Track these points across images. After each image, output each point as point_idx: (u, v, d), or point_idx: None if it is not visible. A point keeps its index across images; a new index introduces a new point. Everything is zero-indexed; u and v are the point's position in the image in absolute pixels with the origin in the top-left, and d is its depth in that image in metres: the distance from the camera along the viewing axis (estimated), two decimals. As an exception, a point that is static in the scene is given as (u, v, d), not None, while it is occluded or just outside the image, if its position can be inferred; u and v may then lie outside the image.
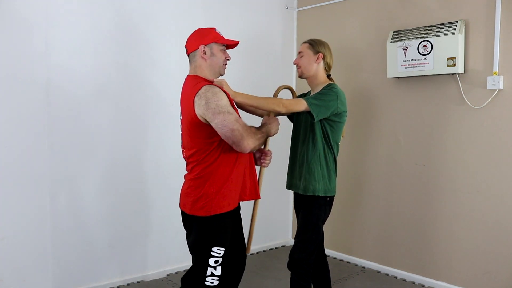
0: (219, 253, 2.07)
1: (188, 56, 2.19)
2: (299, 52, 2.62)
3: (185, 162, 2.20)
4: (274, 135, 2.26)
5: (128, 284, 3.37)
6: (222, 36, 2.18)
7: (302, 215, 2.56)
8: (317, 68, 2.57)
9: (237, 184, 2.14)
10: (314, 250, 2.51)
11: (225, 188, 2.09)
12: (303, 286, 2.48)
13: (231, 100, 2.09)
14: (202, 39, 2.13)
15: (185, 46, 2.20)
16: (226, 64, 2.21)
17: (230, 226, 2.14)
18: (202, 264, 2.07)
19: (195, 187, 2.09)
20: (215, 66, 2.16)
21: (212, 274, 2.06)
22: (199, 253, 2.10)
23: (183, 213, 2.21)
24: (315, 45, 2.58)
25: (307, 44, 2.60)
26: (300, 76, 2.62)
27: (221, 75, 2.22)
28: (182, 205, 2.19)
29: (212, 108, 1.96)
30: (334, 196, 2.57)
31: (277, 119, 2.30)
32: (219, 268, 2.07)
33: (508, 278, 3.01)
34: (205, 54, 2.12)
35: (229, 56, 2.21)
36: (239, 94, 2.23)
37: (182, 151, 2.21)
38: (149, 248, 3.51)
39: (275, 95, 2.51)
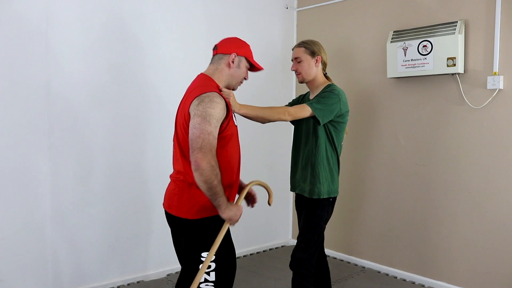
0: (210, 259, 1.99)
1: (214, 55, 2.11)
2: (296, 58, 2.54)
3: (175, 160, 2.11)
4: (226, 218, 1.96)
5: (128, 284, 3.37)
6: (253, 56, 2.14)
7: (304, 216, 2.56)
8: (316, 71, 2.55)
9: (226, 188, 2.04)
10: (316, 250, 2.51)
11: None
12: (305, 286, 2.48)
13: (230, 115, 1.99)
14: (237, 48, 2.08)
15: (217, 45, 2.12)
16: (242, 81, 2.16)
17: (218, 230, 2.04)
18: (194, 271, 1.98)
19: (183, 187, 2.01)
20: (235, 78, 2.10)
21: (206, 280, 1.98)
22: (190, 260, 2.02)
23: (168, 215, 2.12)
24: (310, 47, 2.52)
25: (302, 48, 2.53)
26: (301, 82, 2.58)
27: (234, 90, 2.15)
28: (167, 206, 2.09)
29: (199, 110, 1.87)
30: (336, 196, 2.57)
31: (241, 210, 2.01)
32: (213, 274, 1.99)
33: (508, 278, 3.01)
34: (233, 62, 2.07)
35: (248, 76, 2.15)
36: (244, 107, 2.21)
37: (173, 146, 2.12)
38: (149, 248, 3.50)
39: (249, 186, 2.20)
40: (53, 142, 3.00)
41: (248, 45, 2.14)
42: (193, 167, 1.85)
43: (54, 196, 3.02)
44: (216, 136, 1.90)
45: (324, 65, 2.58)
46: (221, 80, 2.08)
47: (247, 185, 2.19)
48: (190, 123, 1.90)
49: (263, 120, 2.42)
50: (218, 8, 3.80)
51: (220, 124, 1.93)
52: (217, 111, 1.89)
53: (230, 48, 2.08)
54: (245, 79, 2.15)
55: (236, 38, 2.16)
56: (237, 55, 2.07)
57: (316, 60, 2.52)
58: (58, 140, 3.02)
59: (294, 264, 2.50)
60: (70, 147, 3.07)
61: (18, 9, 2.84)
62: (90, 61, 3.13)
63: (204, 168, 1.83)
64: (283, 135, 3.49)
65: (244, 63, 2.10)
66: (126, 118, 3.33)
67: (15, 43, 2.83)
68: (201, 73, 2.12)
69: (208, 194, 1.89)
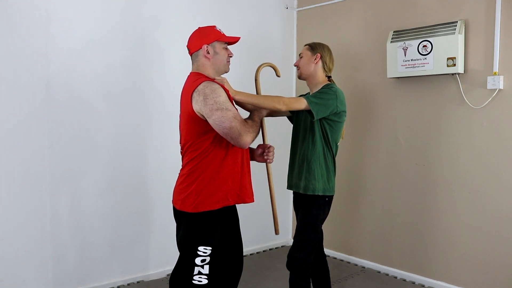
0: (206, 252, 2.06)
1: (191, 56, 2.20)
2: (299, 54, 2.67)
3: (182, 157, 2.20)
4: (266, 115, 2.34)
5: (128, 284, 3.37)
6: (223, 34, 2.19)
7: (301, 215, 2.57)
8: (315, 68, 2.59)
9: (229, 183, 2.11)
10: (313, 249, 2.51)
11: (215, 186, 2.07)
12: (302, 286, 2.48)
13: (230, 98, 2.09)
14: (204, 39, 2.14)
15: (187, 47, 2.20)
16: (229, 61, 2.22)
17: (219, 225, 2.12)
18: (189, 263, 2.07)
19: (187, 183, 2.10)
20: (219, 65, 2.18)
21: (200, 273, 2.05)
22: (186, 252, 2.10)
23: (174, 209, 2.21)
24: (315, 47, 2.63)
25: (307, 46, 2.66)
26: (299, 76, 2.66)
27: (226, 72, 2.23)
28: (174, 201, 2.19)
29: (210, 104, 1.96)
30: (333, 196, 2.58)
31: None
32: (206, 267, 2.06)
33: (508, 278, 3.01)
34: (208, 53, 2.14)
35: (231, 53, 2.22)
36: (239, 93, 2.24)
37: (180, 146, 2.21)
38: (149, 248, 3.51)
39: (258, 71, 2.48)
40: (53, 141, 3.00)
41: (212, 28, 2.19)
42: (245, 147, 2.06)
43: (54, 196, 3.02)
44: (238, 112, 2.04)
45: (328, 69, 2.63)
46: (209, 73, 2.16)
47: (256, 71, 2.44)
48: (211, 120, 1.98)
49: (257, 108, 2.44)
50: (218, 8, 3.80)
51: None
52: (224, 96, 2.01)
53: (198, 42, 2.15)
54: (230, 56, 2.22)
55: (198, 30, 2.20)
56: (208, 44, 2.13)
57: (315, 58, 2.58)
58: (58, 139, 3.02)
59: (291, 263, 2.50)
60: (71, 146, 3.08)
61: (18, 2, 2.84)
62: (91, 57, 3.14)
63: (251, 140, 2.04)
64: (282, 134, 3.50)
65: (219, 46, 2.17)
66: (126, 118, 3.33)
67: (15, 39, 2.84)
68: (191, 72, 2.20)
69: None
